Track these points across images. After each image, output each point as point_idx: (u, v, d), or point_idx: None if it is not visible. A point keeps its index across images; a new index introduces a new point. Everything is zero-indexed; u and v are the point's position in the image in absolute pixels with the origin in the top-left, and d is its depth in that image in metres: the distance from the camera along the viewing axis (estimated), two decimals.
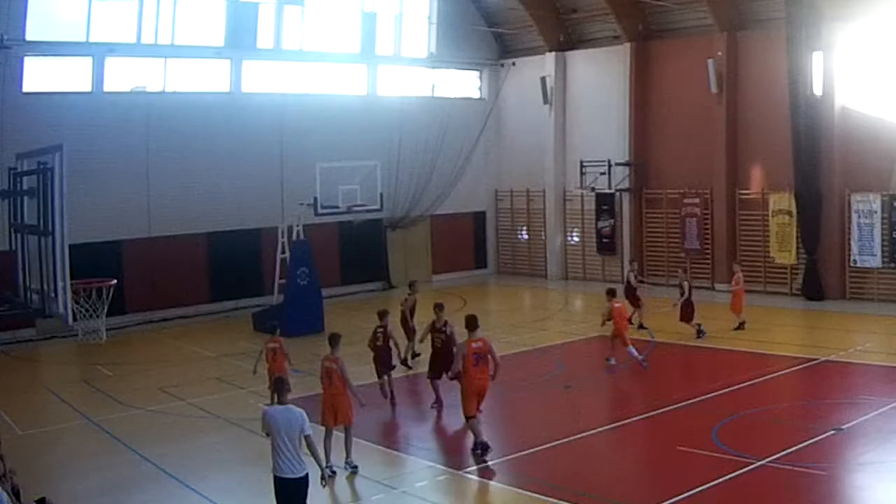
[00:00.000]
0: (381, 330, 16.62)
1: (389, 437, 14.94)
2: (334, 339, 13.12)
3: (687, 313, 21.33)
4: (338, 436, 13.00)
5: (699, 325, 21.29)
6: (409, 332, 19.71)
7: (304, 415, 9.97)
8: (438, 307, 16.56)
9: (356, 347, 20.59)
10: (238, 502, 12.29)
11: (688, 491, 11.33)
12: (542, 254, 33.35)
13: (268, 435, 9.97)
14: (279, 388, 10.35)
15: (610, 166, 29.96)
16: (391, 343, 16.68)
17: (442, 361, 15.86)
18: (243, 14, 27.79)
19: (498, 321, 24.38)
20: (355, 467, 12.93)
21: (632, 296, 22.51)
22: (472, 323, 13.50)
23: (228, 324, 25.54)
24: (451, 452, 13.83)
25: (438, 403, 16.19)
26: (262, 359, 15.90)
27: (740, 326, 21.91)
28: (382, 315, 16.80)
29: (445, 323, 16.42)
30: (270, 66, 29.13)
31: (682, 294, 21.48)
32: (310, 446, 9.97)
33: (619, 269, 30.80)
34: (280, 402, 10.18)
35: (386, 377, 16.61)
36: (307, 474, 9.81)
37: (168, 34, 26.25)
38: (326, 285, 25.44)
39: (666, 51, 29.52)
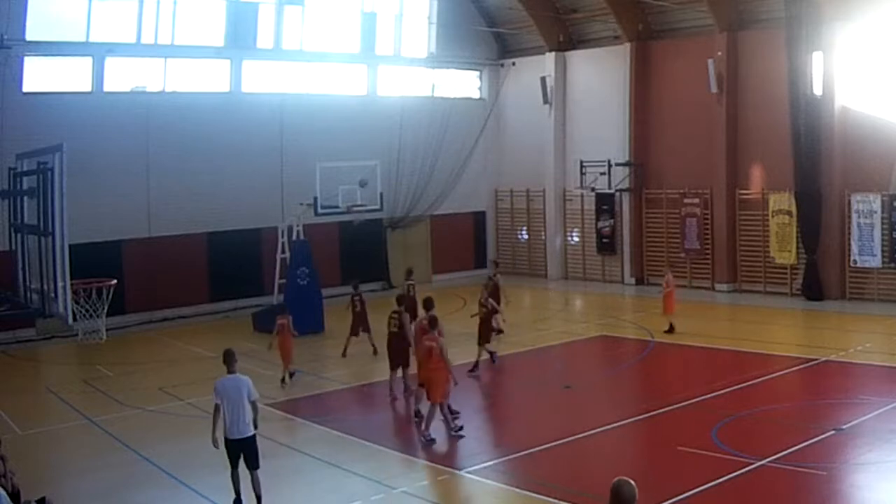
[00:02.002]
0: (395, 316, 16.99)
1: (389, 437, 14.93)
2: (433, 321, 14.46)
3: (485, 333, 18.96)
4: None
5: (493, 352, 19.29)
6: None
7: (250, 382, 11.33)
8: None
9: (356, 347, 20.70)
10: None
11: (688, 491, 11.33)
12: (542, 254, 33.34)
13: (217, 407, 11.26)
14: (228, 359, 11.49)
15: (610, 166, 29.95)
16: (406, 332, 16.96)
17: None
18: (243, 14, 27.79)
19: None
20: (432, 440, 13.94)
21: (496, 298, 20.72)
22: (428, 303, 15.37)
23: (228, 324, 25.54)
24: (452, 452, 13.82)
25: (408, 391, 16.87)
26: (275, 336, 18.32)
27: (670, 329, 21.49)
28: (399, 300, 17.51)
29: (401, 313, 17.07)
30: (270, 66, 29.13)
31: (485, 309, 19.09)
32: (255, 410, 11.31)
33: (618, 269, 30.86)
34: (230, 372, 11.38)
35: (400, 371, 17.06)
36: (254, 435, 11.26)
37: (168, 34, 26.25)
38: (326, 285, 25.43)
39: (666, 51, 29.52)
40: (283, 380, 18.32)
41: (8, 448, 12.05)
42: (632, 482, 6.16)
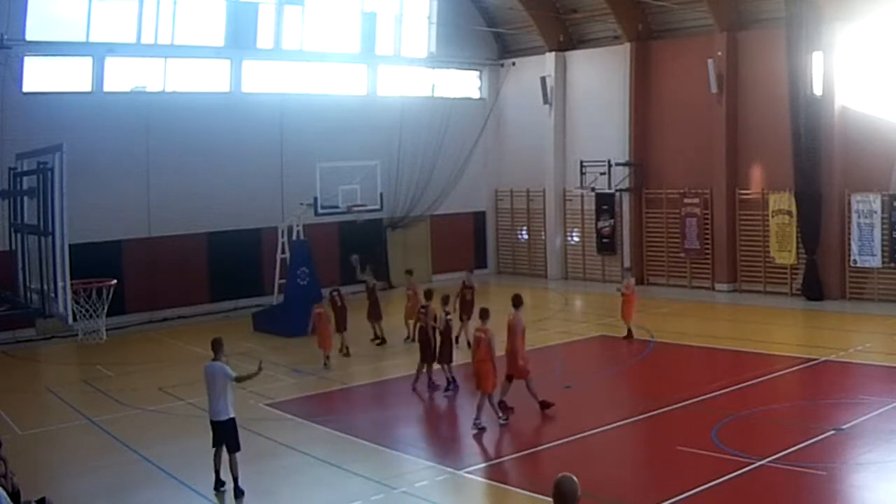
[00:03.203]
0: (422, 311, 17.47)
1: (389, 437, 14.94)
2: (485, 313, 15.00)
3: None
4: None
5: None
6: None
7: (227, 368, 12.12)
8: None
9: (359, 347, 20.73)
10: (237, 502, 12.28)
11: (688, 491, 11.33)
12: (542, 254, 33.34)
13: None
14: (215, 346, 12.32)
15: (610, 166, 29.94)
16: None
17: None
18: (243, 14, 27.79)
19: (498, 321, 24.32)
20: (482, 428, 14.37)
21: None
22: (516, 299, 15.44)
23: (228, 324, 25.52)
24: (452, 452, 13.83)
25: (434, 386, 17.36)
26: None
27: (629, 334, 21.07)
28: (428, 295, 17.87)
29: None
30: (270, 66, 29.13)
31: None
32: (238, 381, 12.21)
33: (618, 269, 30.79)
34: (215, 360, 12.19)
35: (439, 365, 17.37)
36: (233, 418, 12.05)
37: (168, 34, 26.25)
38: (326, 285, 25.40)
39: (666, 51, 29.51)
40: (325, 364, 19.34)
41: (8, 448, 12.05)
42: (574, 478, 6.03)
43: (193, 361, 20.81)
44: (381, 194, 26.17)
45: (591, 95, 31.51)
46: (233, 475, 11.95)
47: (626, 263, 30.30)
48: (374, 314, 21.87)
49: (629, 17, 29.58)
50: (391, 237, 31.80)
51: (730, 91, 27.38)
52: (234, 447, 12.03)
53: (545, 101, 32.23)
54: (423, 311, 17.46)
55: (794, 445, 12.81)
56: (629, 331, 21.21)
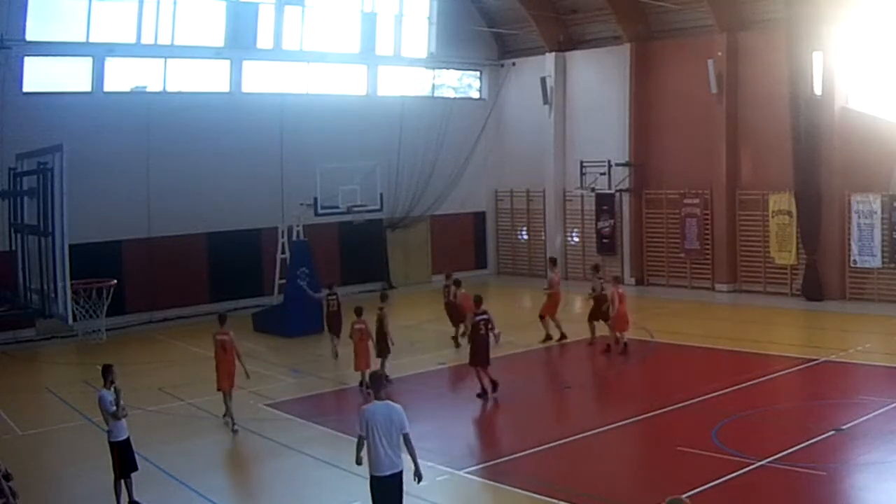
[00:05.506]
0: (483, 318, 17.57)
1: None
2: (223, 318, 15.71)
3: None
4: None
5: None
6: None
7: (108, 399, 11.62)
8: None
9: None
10: (238, 502, 12.29)
11: (688, 491, 11.27)
12: (542, 254, 33.30)
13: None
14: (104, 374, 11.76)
15: (610, 167, 29.93)
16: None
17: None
18: (243, 14, 27.78)
19: (498, 321, 24.29)
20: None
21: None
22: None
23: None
24: (452, 452, 13.81)
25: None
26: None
27: (547, 338, 21.25)
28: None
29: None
30: (270, 66, 29.11)
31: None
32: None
33: (618, 269, 30.78)
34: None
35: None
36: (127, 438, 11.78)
37: (168, 34, 26.24)
38: (326, 286, 25.37)
39: (666, 51, 29.50)
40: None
41: (8, 448, 12.05)
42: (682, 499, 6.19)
43: (193, 361, 20.85)
44: (381, 194, 26.15)
45: (591, 95, 31.49)
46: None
47: (627, 264, 30.27)
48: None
49: (629, 17, 29.57)
50: (391, 237, 31.79)
51: (730, 91, 27.37)
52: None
53: (545, 102, 32.22)
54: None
55: (794, 445, 12.80)
56: (547, 334, 21.37)
